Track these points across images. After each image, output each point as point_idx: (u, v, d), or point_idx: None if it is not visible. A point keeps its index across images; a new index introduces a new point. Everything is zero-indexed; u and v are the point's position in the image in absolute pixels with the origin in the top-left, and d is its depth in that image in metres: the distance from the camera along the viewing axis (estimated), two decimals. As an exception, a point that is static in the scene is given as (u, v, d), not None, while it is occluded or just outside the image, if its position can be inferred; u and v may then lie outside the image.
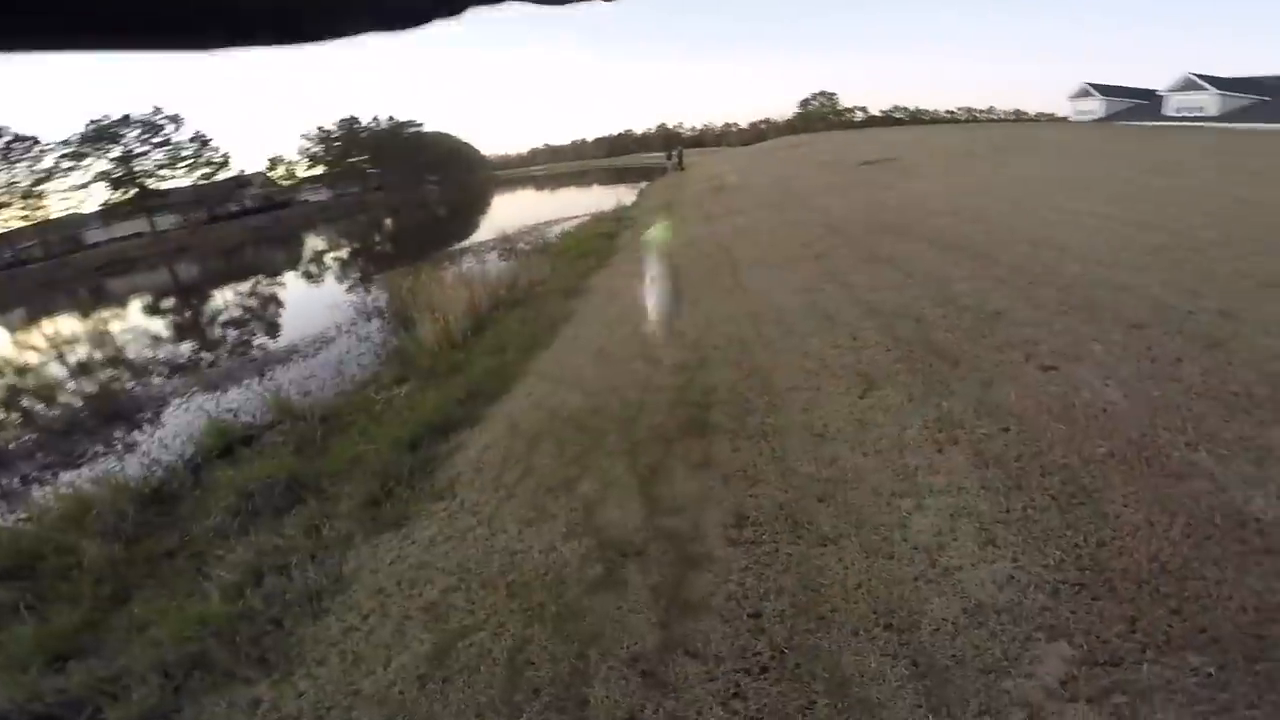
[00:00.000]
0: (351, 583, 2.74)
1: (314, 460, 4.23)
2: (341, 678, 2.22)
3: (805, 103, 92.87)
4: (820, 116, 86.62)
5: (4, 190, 38.01)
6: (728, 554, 2.30)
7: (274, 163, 61.67)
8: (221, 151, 49.58)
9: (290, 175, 61.98)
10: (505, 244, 14.38)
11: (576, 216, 17.93)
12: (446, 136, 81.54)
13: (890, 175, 13.38)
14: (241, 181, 54.75)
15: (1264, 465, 2.27)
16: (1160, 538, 2.00)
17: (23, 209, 39.41)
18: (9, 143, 37.76)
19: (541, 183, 61.43)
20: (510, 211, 27.95)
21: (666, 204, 15.96)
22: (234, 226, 44.58)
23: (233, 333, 11.72)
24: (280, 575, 2.88)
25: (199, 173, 48.09)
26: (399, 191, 60.26)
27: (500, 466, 3.37)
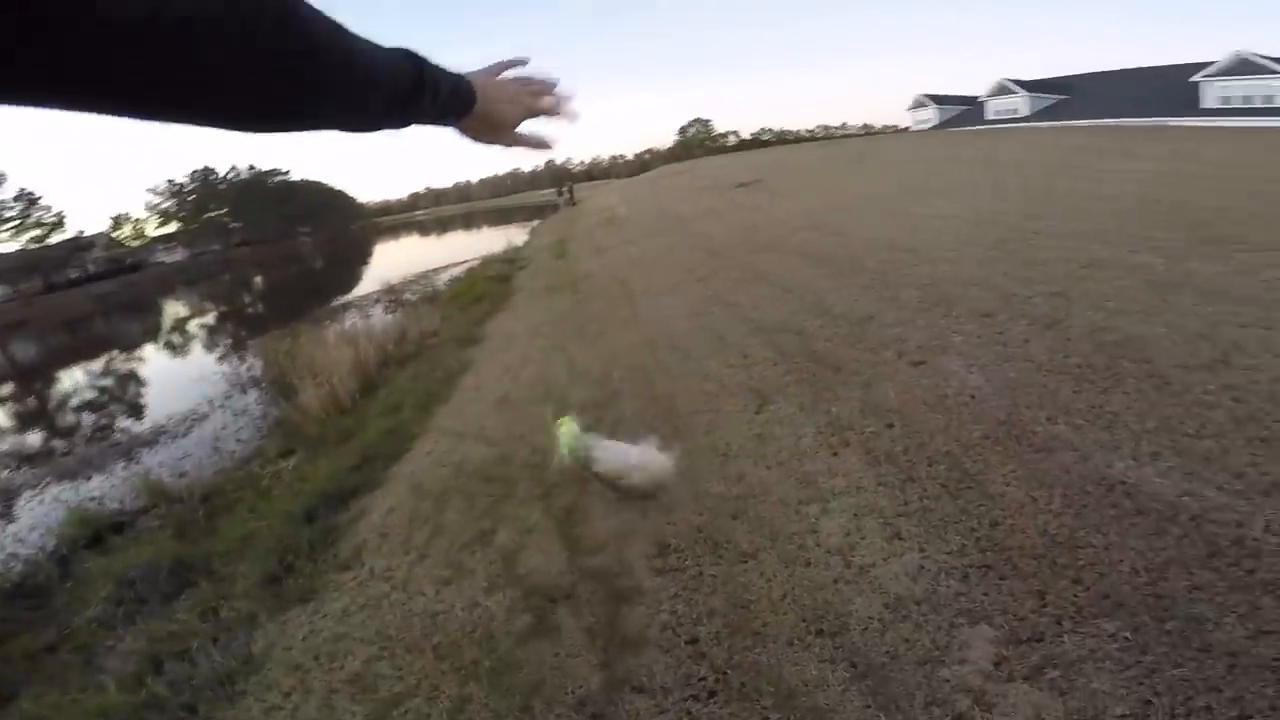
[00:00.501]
0: (265, 662, 2.55)
1: (200, 542, 3.98)
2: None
3: (683, 130, 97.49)
4: (698, 143, 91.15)
5: None
6: (656, 584, 2.29)
7: (119, 222, 55.94)
8: (55, 211, 44.21)
9: (139, 234, 56.55)
10: (390, 295, 13.82)
11: (466, 261, 17.57)
12: (318, 184, 77.76)
13: (761, 196, 14.21)
14: (82, 244, 49.00)
15: (1114, 430, 2.52)
16: (1044, 511, 2.14)
17: None
18: None
19: (426, 228, 59.83)
20: (394, 260, 26.94)
21: (560, 240, 16.00)
22: (77, 295, 39.53)
23: (88, 416, 10.58)
24: (182, 661, 2.66)
25: (28, 235, 42.53)
26: (267, 246, 56.17)
27: (408, 528, 3.22)
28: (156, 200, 56.51)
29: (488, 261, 15.48)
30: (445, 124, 0.65)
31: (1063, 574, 1.89)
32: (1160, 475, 2.21)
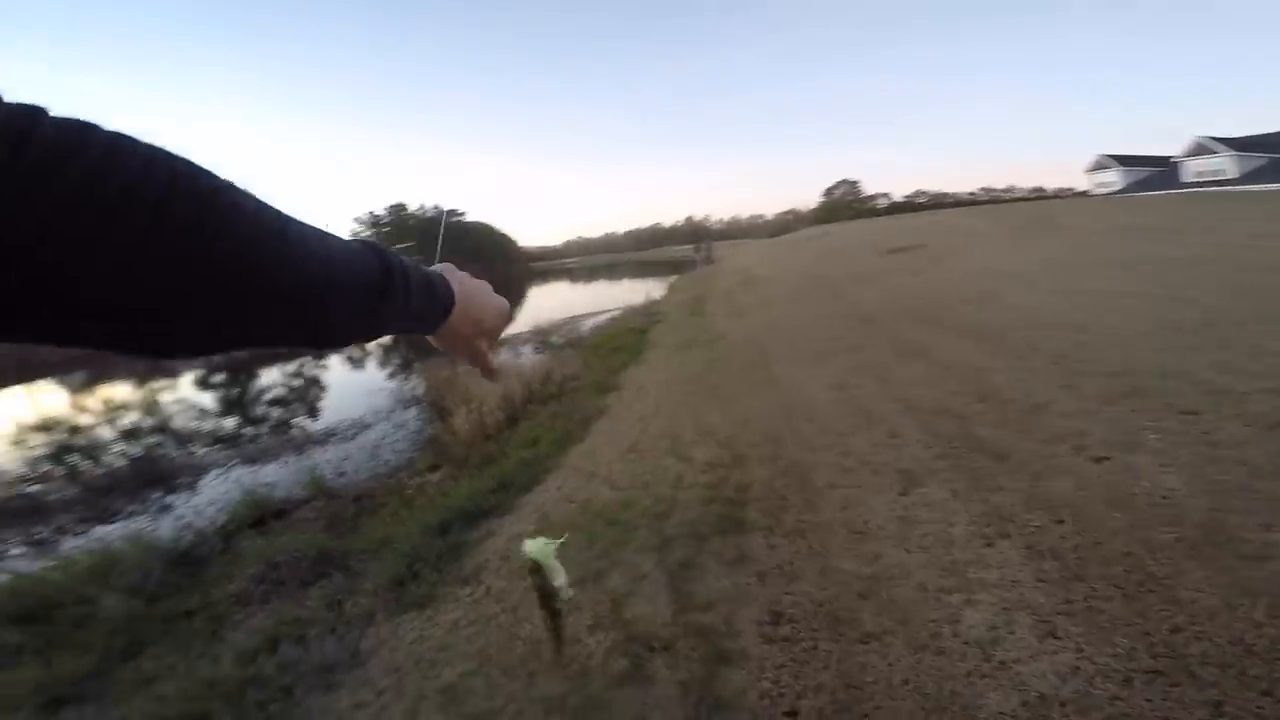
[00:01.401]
0: (369, 658, 2.69)
1: (344, 538, 4.29)
2: (342, 752, 2.10)
3: (829, 191, 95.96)
4: (844, 205, 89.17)
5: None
6: (762, 651, 2.20)
7: None
8: None
9: None
10: (540, 337, 14.76)
11: (607, 310, 18.42)
12: (487, 227, 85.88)
13: (918, 262, 13.56)
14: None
15: (1355, 544, 2.13)
16: (1242, 620, 1.90)
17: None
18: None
19: (574, 275, 63.75)
20: (545, 303, 28.85)
21: (697, 297, 16.30)
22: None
23: (275, 411, 11.93)
24: (297, 645, 2.86)
25: None
26: (442, 279, 62.19)
27: None
28: (359, 229, 65.79)
29: (627, 313, 16.08)
30: (419, 330, 0.53)
31: (1252, 685, 1.67)
32: None
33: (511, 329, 19.84)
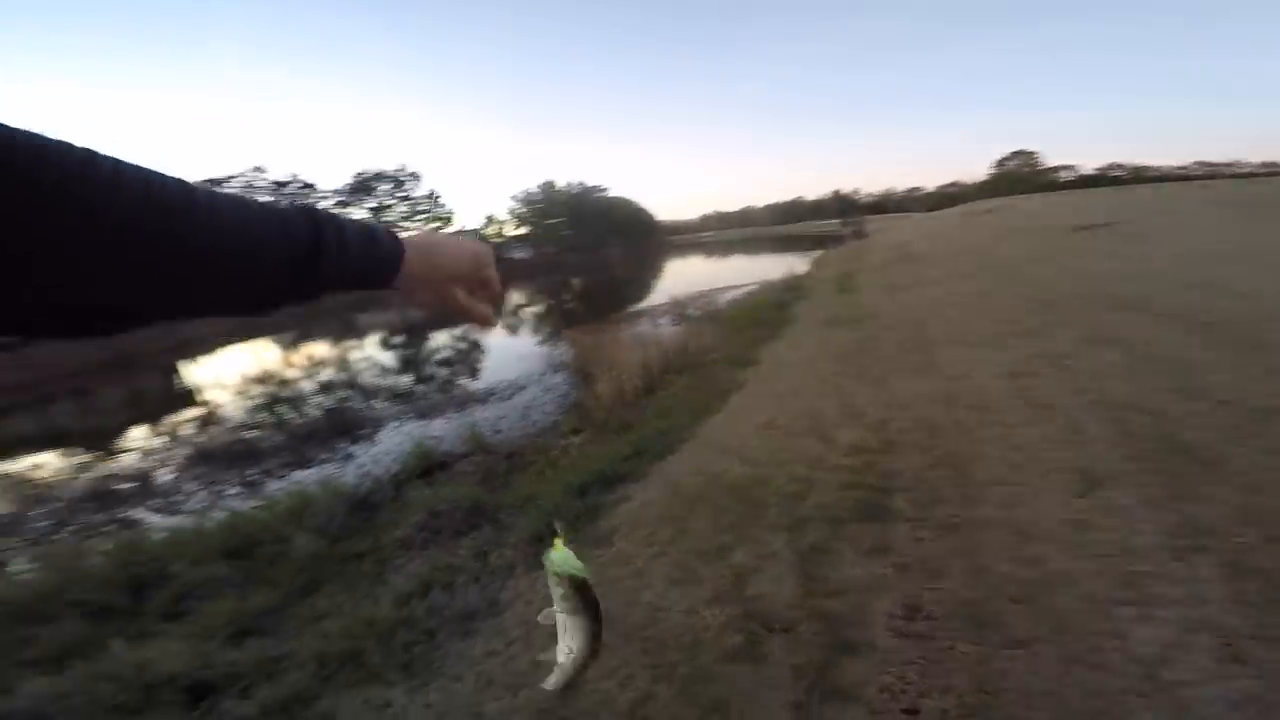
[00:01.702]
0: (505, 609, 2.85)
1: (495, 492, 4.56)
2: (470, 696, 2.30)
3: (1001, 163, 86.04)
4: (1020, 178, 79.63)
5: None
6: (891, 644, 2.08)
7: (489, 221, 70.62)
8: (448, 207, 58.06)
9: (499, 234, 69.45)
10: (677, 309, 14.89)
11: (746, 285, 18.10)
12: (628, 202, 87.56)
13: (1113, 242, 11.79)
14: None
15: None
16: None
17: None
18: (298, 189, 45.75)
19: (711, 249, 63.29)
20: (682, 276, 28.98)
21: (845, 273, 15.47)
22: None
23: (443, 371, 13.11)
24: (445, 591, 3.08)
25: (430, 226, 55.85)
26: (586, 253, 64.74)
27: (657, 524, 3.38)
28: (515, 206, 70.16)
29: (767, 287, 15.69)
30: (370, 285, 0.52)
31: None
32: None
33: (650, 300, 20.23)
